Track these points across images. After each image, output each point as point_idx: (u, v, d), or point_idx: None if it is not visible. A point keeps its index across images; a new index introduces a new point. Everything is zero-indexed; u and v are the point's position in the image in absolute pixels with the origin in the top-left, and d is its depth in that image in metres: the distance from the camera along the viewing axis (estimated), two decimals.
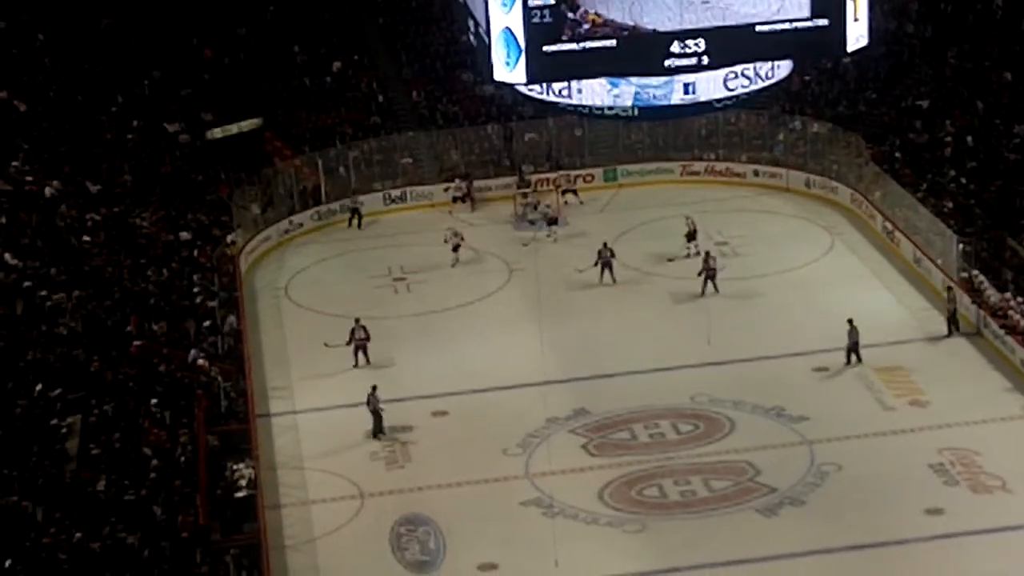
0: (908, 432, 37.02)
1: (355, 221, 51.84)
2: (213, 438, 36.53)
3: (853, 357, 40.11)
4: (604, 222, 50.55)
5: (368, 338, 41.69)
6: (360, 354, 41.68)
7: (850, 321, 40.20)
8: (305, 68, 57.42)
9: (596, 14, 26.70)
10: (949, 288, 42.52)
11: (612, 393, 39.43)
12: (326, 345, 41.95)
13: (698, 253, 46.39)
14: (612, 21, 26.80)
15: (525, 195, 52.06)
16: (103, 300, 40.86)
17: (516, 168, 53.79)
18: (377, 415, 38.14)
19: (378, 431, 38.06)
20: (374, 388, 38.43)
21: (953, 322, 41.68)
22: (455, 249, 48.03)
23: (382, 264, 48.70)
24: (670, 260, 47.36)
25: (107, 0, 56.76)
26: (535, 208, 51.08)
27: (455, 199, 53.09)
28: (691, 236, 47.54)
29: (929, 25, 55.77)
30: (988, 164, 48.27)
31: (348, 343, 41.60)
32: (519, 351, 41.45)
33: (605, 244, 46.18)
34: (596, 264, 45.93)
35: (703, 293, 44.68)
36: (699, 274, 44.89)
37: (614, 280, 45.69)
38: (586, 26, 26.74)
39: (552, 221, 50.15)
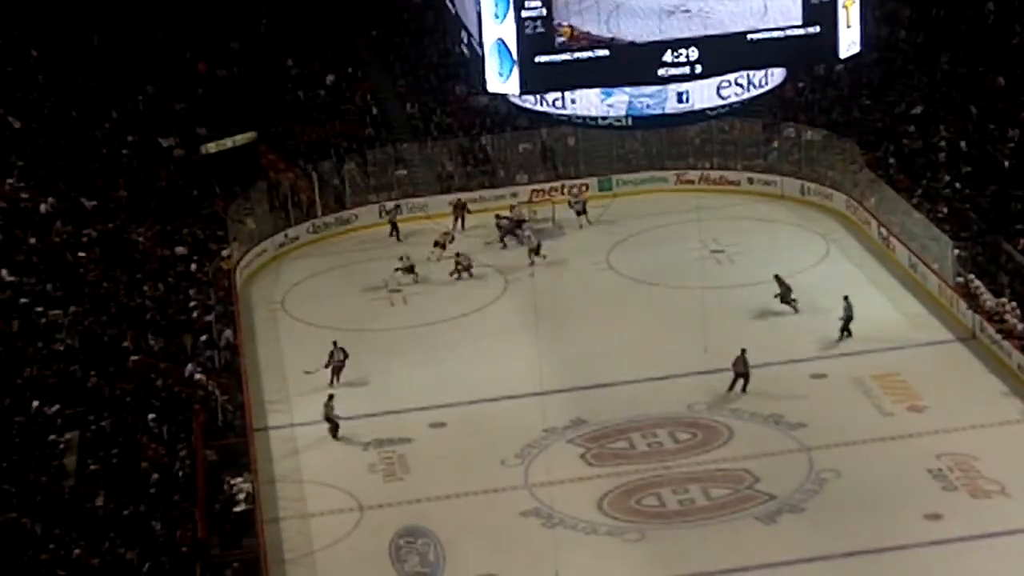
0: (906, 438, 37.04)
1: (395, 233, 51.38)
2: (211, 452, 36.54)
3: (740, 383, 39.31)
4: (599, 231, 50.55)
5: (346, 357, 41.25)
6: (336, 376, 41.15)
7: (743, 351, 39.51)
8: (299, 81, 57.37)
9: (569, 26, 26.58)
10: (845, 297, 42.16)
11: (610, 402, 39.42)
12: (306, 372, 41.42)
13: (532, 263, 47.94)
14: (588, 34, 26.66)
15: (497, 216, 51.66)
16: (100, 316, 40.82)
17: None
18: (332, 422, 38.37)
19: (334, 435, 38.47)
20: (330, 397, 38.71)
21: (845, 329, 41.50)
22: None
23: (377, 276, 48.63)
24: (532, 262, 48.36)
25: (100, 16, 56.73)
26: (521, 235, 50.72)
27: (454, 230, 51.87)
28: (535, 251, 48.47)
29: (921, 31, 55.81)
30: (982, 169, 48.27)
31: (327, 365, 41.14)
32: (516, 361, 41.43)
33: (459, 253, 47.94)
34: (455, 270, 47.57)
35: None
36: None
37: (471, 275, 47.41)
38: (561, 39, 26.59)
39: (514, 227, 50.61)
